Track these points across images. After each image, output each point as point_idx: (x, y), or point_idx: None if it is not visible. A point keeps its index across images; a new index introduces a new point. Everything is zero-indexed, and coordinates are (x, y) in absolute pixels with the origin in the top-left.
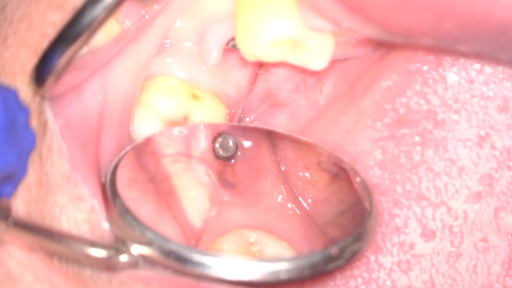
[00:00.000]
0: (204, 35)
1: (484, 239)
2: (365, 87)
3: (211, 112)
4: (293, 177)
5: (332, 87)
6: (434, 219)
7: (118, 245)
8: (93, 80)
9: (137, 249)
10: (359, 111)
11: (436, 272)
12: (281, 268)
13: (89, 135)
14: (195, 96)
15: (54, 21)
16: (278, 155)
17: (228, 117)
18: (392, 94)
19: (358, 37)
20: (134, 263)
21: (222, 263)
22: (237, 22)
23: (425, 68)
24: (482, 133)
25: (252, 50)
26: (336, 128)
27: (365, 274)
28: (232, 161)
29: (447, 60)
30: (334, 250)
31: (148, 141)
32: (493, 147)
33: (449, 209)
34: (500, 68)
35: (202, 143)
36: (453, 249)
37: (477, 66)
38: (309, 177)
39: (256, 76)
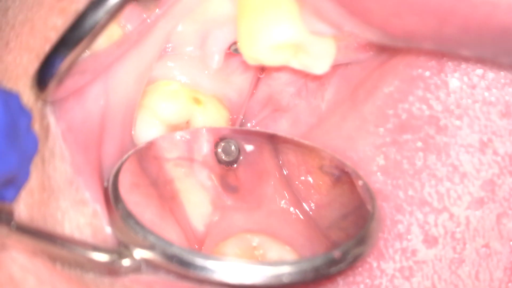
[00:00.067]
0: (206, 39)
1: (486, 245)
2: (367, 93)
3: (213, 116)
4: (296, 181)
5: (333, 93)
6: (436, 225)
7: (120, 249)
8: (95, 84)
9: (139, 253)
10: (361, 117)
11: (438, 279)
12: (284, 271)
13: (91, 139)
14: (197, 100)
15: (56, 25)
16: (280, 159)
17: (230, 122)
18: (394, 99)
19: (359, 41)
20: (137, 267)
21: (225, 267)
22: (239, 26)
23: (427, 73)
24: (484, 138)
25: (254, 54)
26: (338, 134)
27: (367, 281)
28: (235, 165)
29: (449, 65)
30: (336, 253)
31: (150, 145)
32: (495, 152)
33: (451, 215)
34: (502, 73)
35: (204, 147)
36: (456, 255)
37: (479, 71)
38: (311, 181)
39: (258, 80)
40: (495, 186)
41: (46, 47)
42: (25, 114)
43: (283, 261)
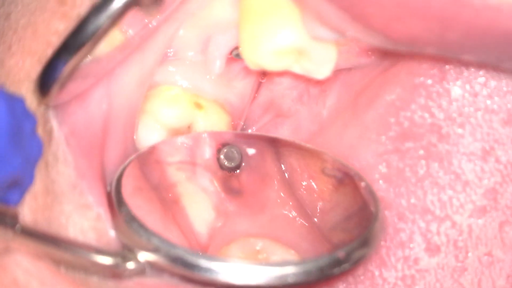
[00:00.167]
0: (208, 44)
1: (489, 254)
2: (369, 100)
3: (214, 121)
4: (298, 185)
5: (335, 100)
6: (438, 233)
7: (124, 252)
8: (98, 88)
9: (144, 256)
10: (363, 125)
11: (440, 287)
12: (289, 272)
13: (94, 143)
14: (198, 105)
15: (59, 29)
16: (282, 162)
17: (231, 126)
18: (396, 107)
19: (361, 46)
20: (141, 270)
21: (229, 268)
22: (241, 31)
23: (429, 81)
24: (487, 146)
25: (256, 59)
26: (340, 142)
27: None
28: (237, 171)
29: (451, 73)
30: (341, 254)
31: (152, 149)
32: (497, 160)
33: (453, 224)
34: (504, 81)
35: (207, 152)
36: (458, 263)
37: (481, 79)
38: (314, 184)
39: (259, 85)
40: (497, 194)
41: (49, 52)
42: (30, 118)
43: (288, 261)
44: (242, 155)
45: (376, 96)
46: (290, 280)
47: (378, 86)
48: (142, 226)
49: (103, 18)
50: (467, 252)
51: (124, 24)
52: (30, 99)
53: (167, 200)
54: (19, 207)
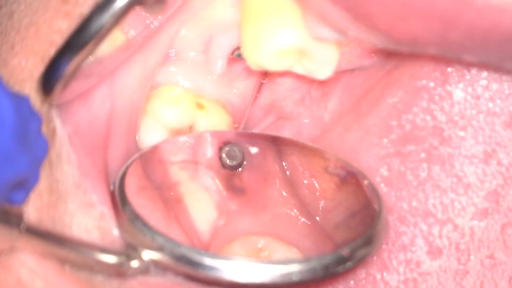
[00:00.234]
0: (209, 45)
1: (491, 256)
2: (371, 104)
3: (216, 121)
4: (301, 184)
5: (337, 103)
6: (440, 236)
7: (128, 251)
8: (101, 88)
9: (148, 255)
10: (364, 128)
11: None
12: (293, 270)
13: (97, 142)
14: (200, 106)
15: (61, 28)
16: (284, 161)
17: (233, 127)
18: (398, 110)
19: (363, 47)
20: (145, 269)
21: (234, 266)
22: (243, 31)
23: (431, 84)
24: (489, 149)
25: (257, 59)
26: (341, 145)
27: None
28: (239, 169)
29: (453, 76)
30: (345, 251)
31: (155, 149)
32: (499, 163)
33: (455, 226)
34: (506, 84)
35: (209, 151)
36: (460, 266)
37: (483, 82)
38: (316, 183)
39: (261, 86)
40: (499, 196)
41: (52, 51)
42: (36, 117)
43: (292, 259)
44: (244, 154)
45: (378, 99)
46: (295, 278)
47: (380, 89)
48: (146, 224)
49: (106, 17)
50: (469, 255)
51: (125, 24)
52: (34, 98)
53: (169, 199)
54: (24, 206)
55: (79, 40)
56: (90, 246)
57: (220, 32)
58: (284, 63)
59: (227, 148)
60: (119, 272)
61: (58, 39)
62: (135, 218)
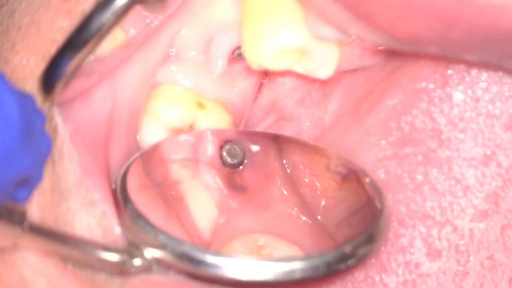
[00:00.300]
0: (210, 44)
1: (490, 257)
2: (371, 106)
3: (216, 121)
4: (302, 182)
5: (337, 105)
6: (439, 238)
7: (131, 249)
8: (102, 86)
9: (150, 253)
10: (363, 130)
11: None
12: (296, 267)
13: (99, 140)
14: (200, 105)
15: (63, 26)
16: (285, 159)
17: (233, 126)
18: (398, 112)
19: (364, 47)
20: (148, 267)
21: (236, 264)
22: (243, 31)
23: (431, 86)
24: (488, 151)
25: (258, 58)
26: (340, 146)
27: None
28: (240, 167)
29: (453, 78)
30: (347, 248)
31: (156, 147)
32: (499, 165)
33: (455, 228)
34: (506, 86)
35: (209, 149)
36: (460, 268)
37: (483, 84)
38: (317, 181)
39: (261, 85)
40: (498, 198)
41: (53, 49)
42: (40, 115)
43: (295, 257)
44: (245, 152)
45: (378, 101)
46: (297, 275)
47: (380, 91)
48: (148, 223)
49: (107, 15)
50: (468, 256)
51: (126, 23)
52: (35, 96)
53: (170, 198)
54: (27, 204)
55: (80, 38)
56: (92, 244)
57: (220, 32)
58: (284, 62)
59: (228, 146)
60: (121, 270)
61: (59, 37)
62: (137, 216)
